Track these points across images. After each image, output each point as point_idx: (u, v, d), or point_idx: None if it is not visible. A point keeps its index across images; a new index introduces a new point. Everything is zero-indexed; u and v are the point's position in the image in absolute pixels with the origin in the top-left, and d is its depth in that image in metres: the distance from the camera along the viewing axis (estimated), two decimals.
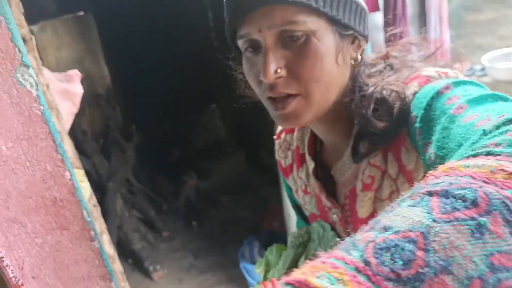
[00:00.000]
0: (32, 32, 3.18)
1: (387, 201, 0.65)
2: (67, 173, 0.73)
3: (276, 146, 0.88)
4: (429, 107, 0.53)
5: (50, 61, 3.34)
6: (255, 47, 0.59)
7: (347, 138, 0.67)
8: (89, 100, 3.46)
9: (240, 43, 0.61)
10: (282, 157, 0.86)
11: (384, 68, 0.65)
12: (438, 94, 0.52)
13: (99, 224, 1.63)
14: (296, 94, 0.58)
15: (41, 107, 0.70)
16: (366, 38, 0.63)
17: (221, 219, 3.42)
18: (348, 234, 0.70)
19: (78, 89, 1.63)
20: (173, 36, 3.87)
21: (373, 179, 0.64)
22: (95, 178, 3.24)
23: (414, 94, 0.57)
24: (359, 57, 0.62)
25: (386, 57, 0.66)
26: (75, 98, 1.68)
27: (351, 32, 0.60)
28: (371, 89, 0.61)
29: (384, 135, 0.59)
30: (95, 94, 3.51)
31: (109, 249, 1.76)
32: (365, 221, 0.67)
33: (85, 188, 1.48)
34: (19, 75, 0.67)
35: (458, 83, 0.53)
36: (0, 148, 0.68)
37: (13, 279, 0.73)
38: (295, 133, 0.82)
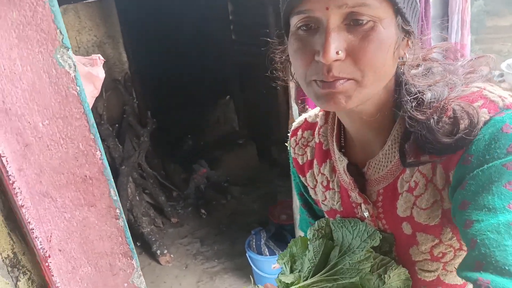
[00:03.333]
0: None
1: (428, 210, 0.64)
2: (98, 152, 0.77)
3: (292, 144, 0.87)
4: (487, 144, 0.54)
5: (71, 44, 3.37)
6: (311, 26, 0.57)
7: (383, 135, 0.67)
8: (107, 85, 3.51)
9: (295, 19, 0.58)
10: (299, 154, 0.85)
11: (427, 71, 0.64)
12: (501, 131, 0.54)
13: None
14: (349, 78, 0.56)
15: (78, 87, 0.73)
16: (415, 38, 0.62)
17: (230, 209, 3.46)
18: (380, 229, 0.72)
19: (100, 73, 1.67)
20: (192, 26, 3.89)
21: (416, 185, 0.64)
22: (109, 161, 3.29)
23: (485, 123, 0.56)
24: (407, 55, 0.62)
25: (424, 59, 0.66)
26: (97, 81, 1.72)
27: (408, 28, 0.59)
28: (429, 95, 0.60)
29: (442, 149, 0.58)
30: (112, 79, 3.56)
31: None
32: (402, 220, 0.68)
33: None
34: (58, 56, 0.70)
35: None
36: (36, 125, 0.72)
37: (41, 250, 0.77)
38: (316, 129, 0.81)
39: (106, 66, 3.70)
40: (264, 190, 3.62)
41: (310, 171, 0.83)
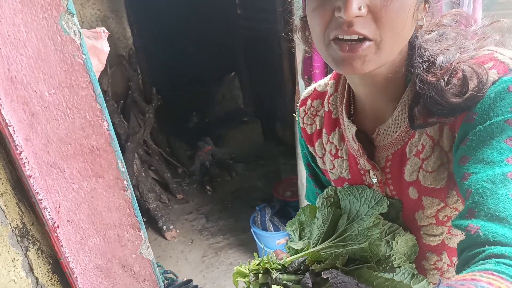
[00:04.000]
0: None
1: (434, 173, 0.64)
2: (105, 123, 0.76)
3: (301, 113, 0.86)
4: (492, 102, 0.54)
5: None
6: None
7: (394, 101, 0.66)
8: (111, 61, 3.47)
9: None
10: (308, 124, 0.84)
11: (440, 36, 0.64)
12: (507, 91, 0.53)
13: None
14: (369, 39, 0.55)
15: (83, 56, 0.72)
16: (432, 4, 0.61)
17: (235, 186, 3.48)
18: (387, 195, 0.71)
19: (105, 47, 1.64)
20: (197, 2, 3.82)
21: (423, 148, 0.64)
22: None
23: (493, 82, 0.56)
24: (424, 20, 0.61)
25: (438, 25, 0.65)
26: (102, 55, 1.69)
27: (427, 3, 0.59)
28: (441, 58, 0.60)
29: (451, 110, 0.58)
30: (117, 54, 3.52)
31: None
32: (409, 184, 0.68)
33: None
34: (63, 23, 0.68)
35: None
36: (43, 94, 0.71)
37: (50, 221, 0.77)
38: (326, 98, 0.80)
39: (110, 41, 3.65)
40: (269, 167, 3.62)
41: (318, 140, 0.83)
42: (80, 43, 0.71)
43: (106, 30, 1.68)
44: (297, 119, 0.90)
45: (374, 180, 0.73)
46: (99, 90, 0.74)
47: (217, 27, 3.92)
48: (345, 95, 0.75)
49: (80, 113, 0.74)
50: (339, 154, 0.78)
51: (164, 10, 3.80)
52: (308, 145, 0.87)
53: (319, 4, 0.58)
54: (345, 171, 0.78)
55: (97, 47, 1.80)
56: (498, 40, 0.63)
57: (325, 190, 0.79)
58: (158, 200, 3.25)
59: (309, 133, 0.85)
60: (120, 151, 0.79)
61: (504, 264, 0.44)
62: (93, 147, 0.76)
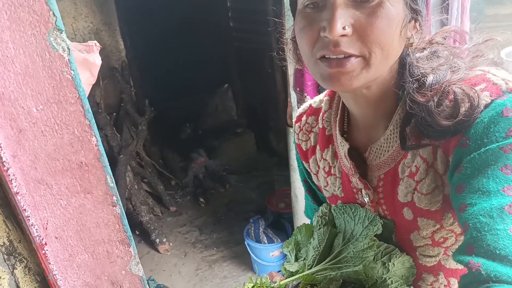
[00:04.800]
0: None
1: (429, 195, 0.63)
2: (93, 138, 0.75)
3: (296, 130, 0.86)
4: (486, 127, 0.53)
5: (66, 31, 3.34)
6: (318, 3, 0.57)
7: (386, 119, 0.66)
8: (104, 73, 3.47)
9: None
10: (303, 140, 0.85)
11: (432, 54, 0.63)
12: (501, 115, 0.52)
13: None
14: (357, 55, 0.55)
15: (72, 72, 0.72)
16: (422, 22, 0.61)
17: (228, 198, 3.46)
18: (380, 215, 0.71)
19: (97, 60, 1.64)
20: (190, 14, 3.84)
21: (417, 170, 0.63)
22: (107, 150, 3.28)
23: (486, 106, 0.54)
24: (414, 37, 0.61)
25: (430, 43, 0.65)
26: (94, 68, 1.69)
27: (417, 6, 0.58)
28: (431, 78, 0.59)
29: (442, 132, 0.57)
30: (109, 67, 3.52)
31: None
32: (403, 205, 0.67)
33: None
34: (52, 39, 0.68)
35: None
36: (30, 110, 0.70)
37: (37, 238, 0.76)
38: (320, 115, 0.81)
39: (103, 53, 3.66)
40: (262, 178, 3.62)
41: (313, 156, 0.83)
42: (68, 59, 0.71)
43: (98, 44, 1.68)
44: (293, 135, 0.90)
45: (366, 199, 0.72)
46: (87, 106, 0.74)
47: (210, 39, 3.95)
48: (339, 112, 0.75)
49: (68, 128, 0.73)
50: (332, 172, 0.78)
51: (157, 22, 3.82)
52: (303, 162, 0.87)
53: (306, 25, 0.59)
54: (338, 189, 0.78)
55: (89, 60, 1.80)
56: (491, 59, 0.62)
57: (320, 208, 0.79)
58: (151, 212, 3.22)
59: (304, 149, 0.85)
60: (109, 167, 0.78)
61: None
62: (82, 162, 0.76)
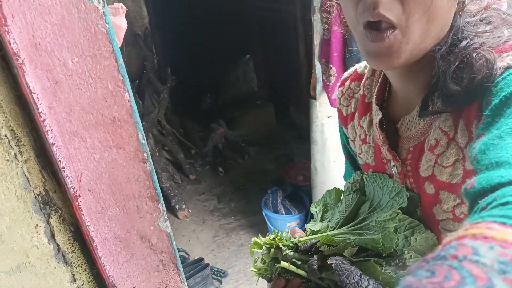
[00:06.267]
0: None
1: (449, 168, 0.61)
2: (126, 94, 0.76)
3: (339, 94, 0.85)
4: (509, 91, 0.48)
5: None
6: None
7: (423, 91, 0.63)
8: (127, 40, 3.47)
9: None
10: (344, 105, 0.84)
11: (481, 20, 0.59)
12: None
13: None
14: (394, 27, 0.53)
15: (107, 25, 0.71)
16: None
17: (247, 168, 3.49)
18: (407, 188, 0.70)
19: (123, 23, 1.64)
20: None
21: (437, 143, 0.61)
22: None
23: (507, 68, 0.51)
24: (467, 0, 0.57)
25: (486, 8, 0.59)
26: (120, 31, 1.69)
27: None
28: (463, 43, 0.56)
29: (455, 99, 0.55)
30: (132, 33, 3.52)
31: None
32: (425, 179, 0.66)
33: None
34: None
35: None
36: (66, 62, 0.71)
37: (72, 189, 0.78)
38: (362, 81, 0.79)
39: (127, 19, 3.65)
40: (281, 151, 3.62)
41: (351, 123, 0.82)
42: (103, 12, 0.71)
43: (124, 6, 1.67)
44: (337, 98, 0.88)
45: (394, 171, 0.71)
46: (121, 61, 0.74)
47: (233, 8, 3.88)
48: (380, 80, 0.73)
49: (102, 83, 0.74)
50: (367, 140, 0.77)
51: None
52: (343, 127, 0.86)
53: None
54: (370, 158, 0.77)
55: (115, 23, 1.79)
56: None
57: (352, 175, 0.79)
58: (171, 179, 3.28)
59: (344, 114, 0.84)
60: (140, 123, 0.79)
61: (502, 205, 0.35)
62: (115, 117, 0.76)
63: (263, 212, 2.58)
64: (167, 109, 3.67)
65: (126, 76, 0.76)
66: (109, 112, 0.76)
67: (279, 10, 3.56)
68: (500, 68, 0.52)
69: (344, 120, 0.85)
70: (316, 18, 1.98)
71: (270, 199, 2.64)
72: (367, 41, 0.56)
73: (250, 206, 3.00)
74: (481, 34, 0.57)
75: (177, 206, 2.94)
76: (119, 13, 1.80)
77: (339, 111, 0.85)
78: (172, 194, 3.01)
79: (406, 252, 0.67)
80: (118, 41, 1.75)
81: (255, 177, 3.35)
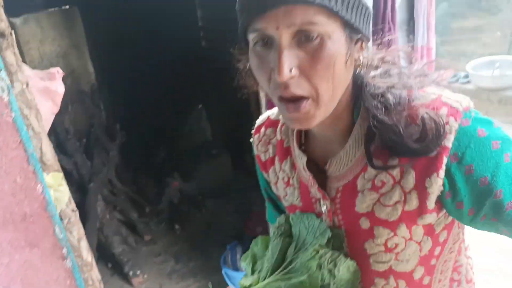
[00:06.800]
0: (14, 25, 3.06)
1: (389, 207, 0.67)
2: (39, 186, 0.68)
3: (255, 141, 0.88)
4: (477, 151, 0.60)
5: (33, 55, 3.23)
6: (267, 42, 0.59)
7: (343, 134, 0.70)
8: (73, 97, 3.36)
9: (252, 36, 0.61)
10: (262, 151, 0.86)
11: (385, 73, 0.67)
12: (478, 136, 0.60)
13: (78, 229, 1.55)
14: (307, 97, 0.59)
15: (13, 113, 0.64)
16: (369, 39, 0.65)
17: (205, 222, 3.36)
18: (334, 225, 0.76)
19: (59, 88, 1.56)
20: (161, 33, 3.79)
21: (383, 184, 0.67)
22: (77, 178, 3.14)
23: (456, 131, 0.60)
24: (361, 58, 0.65)
25: (382, 61, 0.68)
26: (56, 97, 1.61)
27: (360, 35, 0.62)
28: (391, 98, 0.63)
29: (411, 153, 0.62)
30: (79, 91, 3.42)
31: (87, 256, 1.68)
32: (361, 215, 0.70)
33: (64, 192, 1.40)
34: None
35: (488, 125, 0.61)
36: None
37: None
38: (278, 126, 0.83)
39: (71, 77, 3.55)
40: (240, 200, 3.54)
41: (272, 167, 0.85)
42: (9, 100, 0.64)
43: (60, 71, 1.60)
44: (252, 145, 0.91)
45: (324, 209, 0.74)
46: (31, 150, 0.66)
47: (183, 59, 3.90)
48: None
49: (9, 176, 0.65)
50: (291, 182, 0.80)
51: (129, 43, 3.75)
52: (263, 172, 0.89)
53: (259, 64, 0.61)
54: (297, 199, 0.80)
55: (50, 89, 1.71)
56: (435, 79, 0.67)
57: (277, 220, 0.79)
58: (124, 243, 3.08)
59: (263, 160, 0.87)
60: (58, 216, 0.70)
61: None
62: (26, 213, 0.68)
63: (223, 272, 2.45)
64: (119, 166, 3.52)
65: (39, 166, 0.68)
66: (19, 208, 0.67)
67: (228, 61, 3.62)
68: (442, 117, 0.60)
69: (263, 166, 0.87)
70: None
71: (229, 255, 2.53)
72: (285, 111, 0.61)
73: (211, 263, 2.85)
74: (392, 86, 0.65)
75: (131, 272, 2.74)
76: (55, 78, 1.72)
77: (258, 157, 0.88)
78: (125, 260, 2.81)
79: (332, 284, 0.68)
80: (56, 106, 1.66)
81: (214, 231, 3.23)
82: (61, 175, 1.55)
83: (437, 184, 0.62)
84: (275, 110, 0.86)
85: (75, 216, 1.56)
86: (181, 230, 3.29)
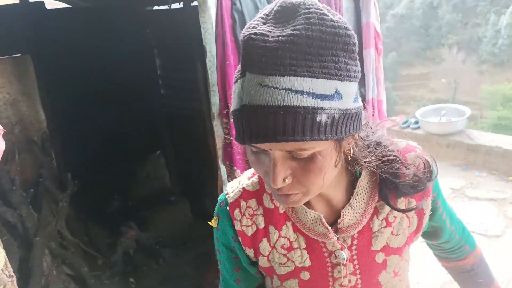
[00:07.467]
0: None
1: (400, 236, 0.80)
2: None
3: (236, 216, 0.82)
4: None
5: None
6: (262, 150, 0.64)
7: (346, 189, 0.79)
8: (21, 146, 3.21)
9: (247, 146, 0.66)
10: (247, 225, 0.81)
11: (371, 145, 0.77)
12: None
13: None
14: (297, 193, 0.66)
15: None
16: (359, 132, 0.67)
17: (162, 275, 3.21)
18: (350, 273, 0.83)
19: (0, 144, 1.48)
20: (116, 80, 3.76)
21: (395, 219, 0.79)
22: (21, 231, 2.93)
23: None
24: (351, 148, 0.70)
25: (369, 146, 0.78)
26: None
27: (348, 142, 0.68)
28: (390, 154, 0.76)
29: (412, 190, 0.76)
30: (28, 139, 3.27)
31: None
32: (376, 252, 0.80)
33: None
34: None
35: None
36: None
37: None
38: (265, 196, 0.82)
39: (21, 125, 3.41)
40: (199, 249, 3.43)
41: (264, 239, 0.81)
42: None
43: (0, 127, 1.53)
44: (216, 223, 0.85)
45: (343, 257, 0.79)
46: None
47: (140, 107, 3.87)
48: None
49: None
50: (295, 246, 0.80)
51: (82, 89, 3.68)
52: (246, 248, 0.82)
53: (255, 161, 0.66)
54: (305, 260, 0.80)
55: None
56: (381, 135, 0.79)
57: None
58: None
59: (249, 234, 0.81)
60: None
61: None
62: None
63: None
64: (70, 217, 3.33)
65: None
66: None
67: (187, 108, 3.63)
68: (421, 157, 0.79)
69: (250, 240, 0.82)
70: (216, 124, 2.02)
71: None
72: (275, 195, 0.69)
73: None
74: (382, 155, 0.75)
75: None
76: None
77: (241, 233, 0.81)
78: None
79: None
80: None
81: (172, 284, 3.08)
82: None
83: (429, 205, 0.80)
84: (247, 181, 0.84)
85: (11, 282, 1.44)
86: (136, 284, 3.12)
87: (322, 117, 0.56)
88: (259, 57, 0.55)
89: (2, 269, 1.41)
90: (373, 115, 2.54)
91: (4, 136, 1.66)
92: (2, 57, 3.21)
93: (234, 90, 0.61)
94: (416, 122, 5.03)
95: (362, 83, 2.55)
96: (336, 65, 0.57)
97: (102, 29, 3.58)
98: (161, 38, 3.71)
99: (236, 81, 0.61)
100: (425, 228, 0.85)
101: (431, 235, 0.92)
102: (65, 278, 2.97)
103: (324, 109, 0.56)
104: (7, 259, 1.45)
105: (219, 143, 2.09)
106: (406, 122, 5.17)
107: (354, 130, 0.63)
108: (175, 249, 3.47)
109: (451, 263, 1.01)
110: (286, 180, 0.63)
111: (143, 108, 3.87)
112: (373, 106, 2.53)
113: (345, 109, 0.59)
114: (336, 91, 0.57)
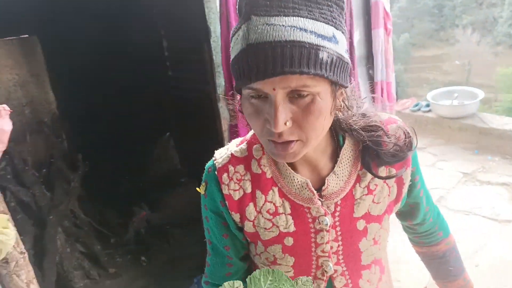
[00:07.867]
0: None
1: (380, 204, 0.83)
2: None
3: (224, 180, 0.83)
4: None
5: None
6: (261, 95, 0.66)
7: (331, 157, 0.82)
8: (31, 127, 3.25)
9: (247, 91, 0.67)
10: (235, 190, 0.82)
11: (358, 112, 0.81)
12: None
13: (27, 272, 1.47)
14: (297, 140, 0.68)
15: None
16: (347, 86, 0.73)
17: (172, 254, 3.27)
18: (333, 239, 0.85)
19: (6, 126, 1.50)
20: (125, 62, 3.77)
21: (376, 187, 0.82)
22: (35, 211, 3.00)
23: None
24: (342, 104, 0.75)
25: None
26: (3, 135, 1.55)
27: (343, 89, 0.73)
28: (372, 121, 0.80)
29: (394, 159, 0.79)
30: (38, 120, 3.31)
31: None
32: (358, 219, 0.83)
33: (10, 235, 1.33)
34: None
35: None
36: None
37: None
38: (254, 161, 0.83)
39: (30, 106, 3.44)
40: None
41: (250, 203, 0.83)
42: None
43: (7, 107, 1.55)
44: (204, 190, 0.88)
45: (326, 223, 0.81)
46: None
47: (148, 87, 3.88)
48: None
49: None
50: (280, 211, 0.82)
51: (91, 72, 3.70)
52: (232, 212, 0.84)
53: (253, 112, 0.68)
54: (289, 225, 0.82)
55: None
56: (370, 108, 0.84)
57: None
58: (86, 277, 2.94)
59: (235, 199, 0.83)
60: None
61: None
62: None
63: None
64: (83, 197, 3.39)
65: None
66: None
67: (194, 90, 3.62)
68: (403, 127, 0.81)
69: (236, 205, 0.83)
70: (221, 105, 2.01)
71: None
72: (273, 148, 0.69)
73: None
74: (367, 120, 0.80)
75: None
76: (1, 116, 1.66)
77: (228, 197, 0.83)
78: None
79: None
80: (2, 144, 1.59)
81: (181, 263, 3.13)
82: (6, 217, 1.47)
83: (408, 175, 0.83)
84: (235, 148, 0.85)
85: (24, 258, 1.48)
86: (147, 262, 3.18)
87: (324, 55, 0.62)
88: (265, 1, 0.61)
89: (14, 246, 1.45)
90: (382, 97, 2.50)
91: (14, 117, 1.68)
92: (10, 37, 3.21)
93: (236, 37, 0.65)
94: (427, 105, 4.93)
95: (371, 64, 2.51)
96: (331, 14, 0.64)
97: (110, 10, 3.56)
98: (168, 18, 3.68)
99: (237, 30, 0.65)
100: (403, 202, 0.88)
101: (407, 214, 0.96)
102: (78, 256, 3.04)
103: (325, 48, 0.62)
104: (18, 237, 1.48)
105: (224, 125, 2.08)
106: (417, 105, 5.08)
107: (345, 81, 0.69)
108: (185, 229, 3.51)
109: (424, 248, 1.04)
110: (287, 123, 0.65)
111: (152, 90, 3.88)
112: (381, 88, 2.49)
113: (341, 55, 0.65)
114: (333, 35, 0.64)
